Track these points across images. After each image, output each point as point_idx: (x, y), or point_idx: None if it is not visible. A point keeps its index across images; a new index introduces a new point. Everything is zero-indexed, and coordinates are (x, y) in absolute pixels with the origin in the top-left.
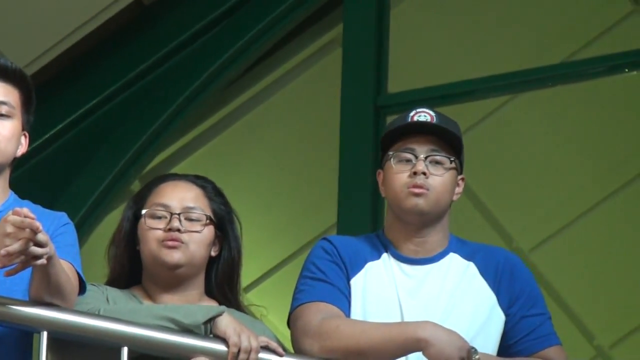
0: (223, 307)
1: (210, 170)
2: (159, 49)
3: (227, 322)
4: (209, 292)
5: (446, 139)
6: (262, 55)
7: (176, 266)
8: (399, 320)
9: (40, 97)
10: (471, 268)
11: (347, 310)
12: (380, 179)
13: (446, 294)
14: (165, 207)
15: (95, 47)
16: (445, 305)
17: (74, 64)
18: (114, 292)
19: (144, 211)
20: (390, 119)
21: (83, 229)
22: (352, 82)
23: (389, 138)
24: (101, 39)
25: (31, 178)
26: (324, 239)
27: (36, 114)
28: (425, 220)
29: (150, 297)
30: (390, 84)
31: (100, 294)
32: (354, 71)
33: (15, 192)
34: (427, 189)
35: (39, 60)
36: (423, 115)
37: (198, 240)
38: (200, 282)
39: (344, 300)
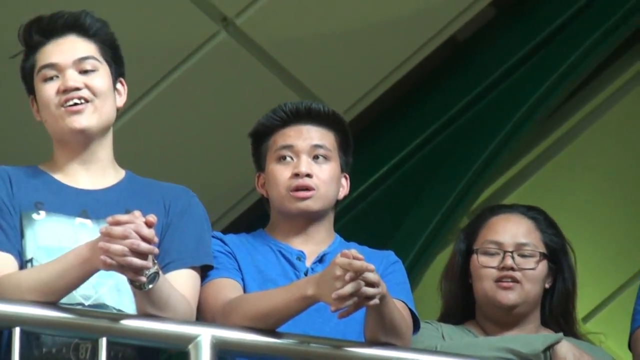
0: (560, 334)
1: (540, 200)
2: (476, 84)
3: (567, 348)
4: (544, 323)
5: None
6: (584, 80)
7: (512, 307)
8: None
9: (364, 141)
10: None
11: None
12: None
13: None
14: (498, 244)
15: (413, 88)
16: None
17: (393, 106)
18: (448, 328)
19: (476, 247)
20: None
21: (415, 270)
22: None
23: None
24: (418, 79)
25: (360, 222)
26: None
27: (361, 157)
28: None
29: (486, 332)
30: None
31: (435, 331)
32: None
33: (345, 237)
34: None
35: (359, 104)
36: None
37: (532, 278)
38: (536, 315)
39: None
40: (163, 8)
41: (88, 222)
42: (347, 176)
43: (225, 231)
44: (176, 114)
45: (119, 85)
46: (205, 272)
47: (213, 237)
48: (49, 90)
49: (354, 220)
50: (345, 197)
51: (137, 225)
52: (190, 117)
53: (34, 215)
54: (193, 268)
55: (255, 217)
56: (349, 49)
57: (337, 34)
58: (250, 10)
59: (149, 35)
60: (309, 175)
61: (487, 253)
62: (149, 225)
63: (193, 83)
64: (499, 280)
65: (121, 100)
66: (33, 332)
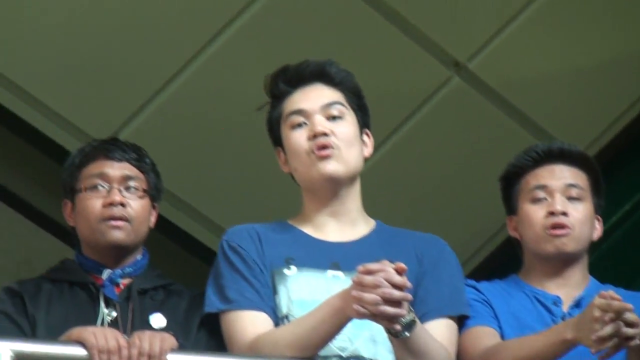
0: None
1: None
2: None
3: None
4: None
5: None
6: None
7: None
8: None
9: (605, 177)
10: None
11: None
12: None
13: None
14: None
15: None
16: None
17: (630, 144)
18: None
19: None
20: None
21: None
22: None
23: None
24: None
25: (603, 262)
26: None
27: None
28: None
29: None
30: None
31: None
32: None
33: (593, 276)
34: None
35: (596, 143)
36: None
37: None
38: None
39: None
40: (395, 56)
41: (340, 274)
42: (600, 218)
43: (467, 277)
44: (414, 160)
45: (364, 137)
46: (461, 320)
47: (467, 285)
48: (298, 137)
49: (596, 261)
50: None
51: (388, 273)
52: (428, 162)
53: (285, 271)
54: (450, 317)
55: (497, 263)
56: (583, 87)
57: (570, 72)
58: (482, 53)
59: (383, 83)
60: (564, 214)
61: None
62: (399, 272)
63: (429, 129)
64: None
65: (367, 151)
66: None
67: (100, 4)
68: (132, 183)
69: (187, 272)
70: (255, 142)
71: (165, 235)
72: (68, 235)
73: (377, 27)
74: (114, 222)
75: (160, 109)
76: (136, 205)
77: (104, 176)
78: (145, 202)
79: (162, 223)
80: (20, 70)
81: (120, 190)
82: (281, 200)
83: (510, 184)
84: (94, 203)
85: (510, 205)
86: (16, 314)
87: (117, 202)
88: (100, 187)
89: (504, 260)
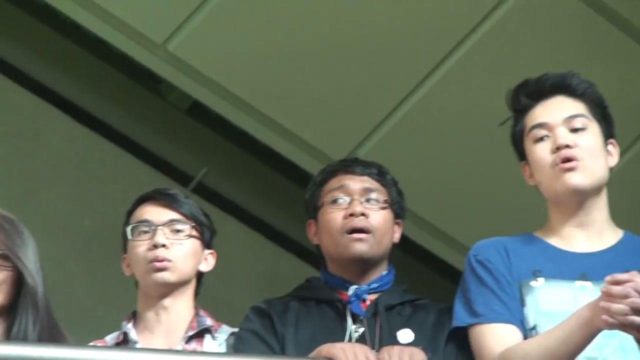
0: None
1: None
2: None
3: None
4: None
5: None
6: None
7: None
8: None
9: None
10: None
11: None
12: None
13: None
14: None
15: None
16: None
17: None
18: None
19: None
20: None
21: None
22: None
23: None
24: None
25: None
26: None
27: None
28: None
29: None
30: None
31: None
32: None
33: None
34: None
35: None
36: None
37: None
38: None
39: None
40: (634, 68)
41: (588, 284)
42: None
43: None
44: None
45: (609, 147)
46: None
47: None
48: (541, 151)
49: None
50: None
51: (636, 283)
52: None
53: (532, 283)
54: None
55: None
56: None
57: None
58: None
59: (622, 95)
60: None
61: None
62: None
63: None
64: None
65: (613, 161)
66: None
67: (335, 29)
68: (373, 195)
69: (432, 292)
70: (498, 157)
71: (409, 254)
72: (308, 255)
73: (615, 40)
74: (356, 235)
75: (396, 127)
76: (377, 216)
77: (344, 189)
78: (387, 214)
79: (406, 242)
80: (261, 96)
81: (361, 202)
82: (526, 214)
83: None
84: (336, 216)
85: None
86: (265, 333)
87: (358, 213)
88: (340, 200)
89: None
